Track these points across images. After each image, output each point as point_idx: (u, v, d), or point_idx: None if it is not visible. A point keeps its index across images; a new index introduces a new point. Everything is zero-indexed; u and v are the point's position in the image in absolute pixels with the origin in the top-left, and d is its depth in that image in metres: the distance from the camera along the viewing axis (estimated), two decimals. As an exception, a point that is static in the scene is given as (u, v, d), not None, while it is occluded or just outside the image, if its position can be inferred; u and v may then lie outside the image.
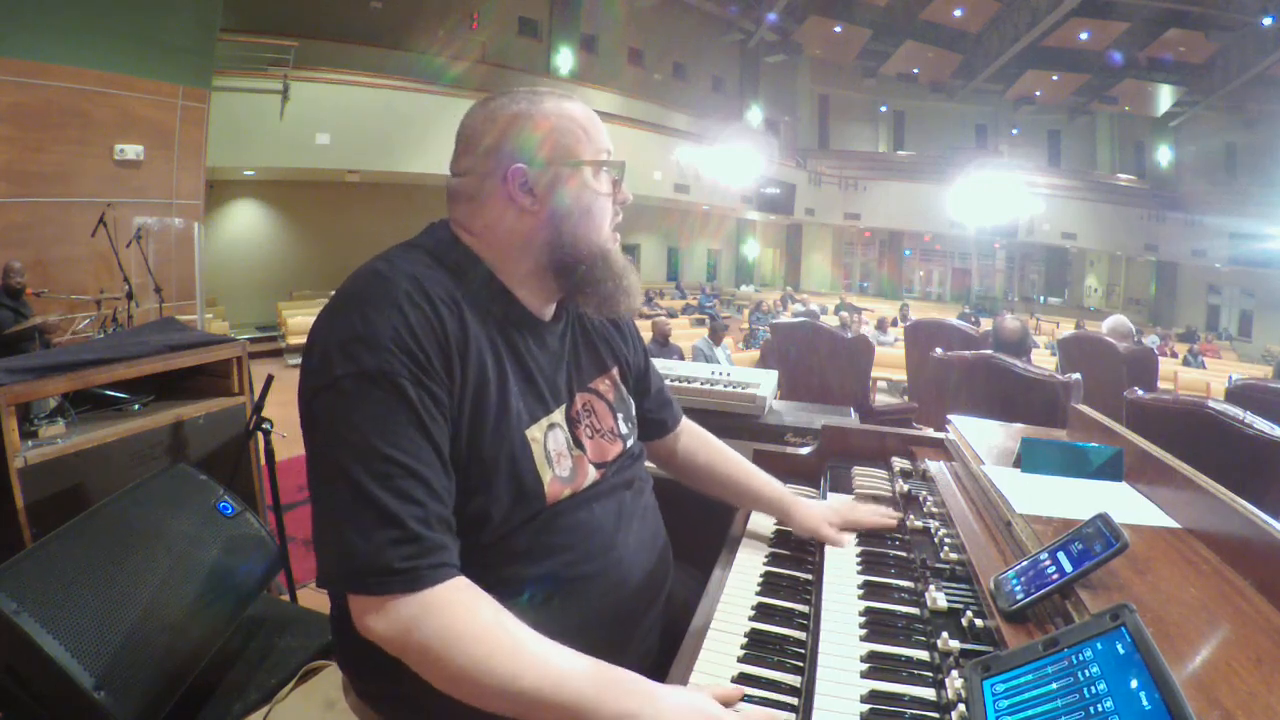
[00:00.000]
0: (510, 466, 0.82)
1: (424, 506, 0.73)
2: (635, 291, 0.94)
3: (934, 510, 1.17)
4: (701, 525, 1.33)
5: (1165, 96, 19.64)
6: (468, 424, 0.80)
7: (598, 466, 0.94)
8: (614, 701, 0.70)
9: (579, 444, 0.92)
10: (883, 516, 1.16)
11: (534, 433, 0.86)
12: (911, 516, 1.17)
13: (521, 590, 0.84)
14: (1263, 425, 1.79)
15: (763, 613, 0.96)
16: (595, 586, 0.89)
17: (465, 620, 0.72)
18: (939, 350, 3.19)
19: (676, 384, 2.26)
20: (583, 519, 0.89)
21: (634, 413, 1.07)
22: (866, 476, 1.37)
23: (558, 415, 0.91)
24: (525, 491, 0.84)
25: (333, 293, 0.85)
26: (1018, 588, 0.79)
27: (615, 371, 1.04)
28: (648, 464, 1.11)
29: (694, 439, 1.26)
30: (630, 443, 1.02)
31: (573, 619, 0.86)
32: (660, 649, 1.00)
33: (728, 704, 0.75)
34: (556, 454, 0.88)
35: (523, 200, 0.87)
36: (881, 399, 7.26)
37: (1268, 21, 15.46)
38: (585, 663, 0.73)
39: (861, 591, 0.96)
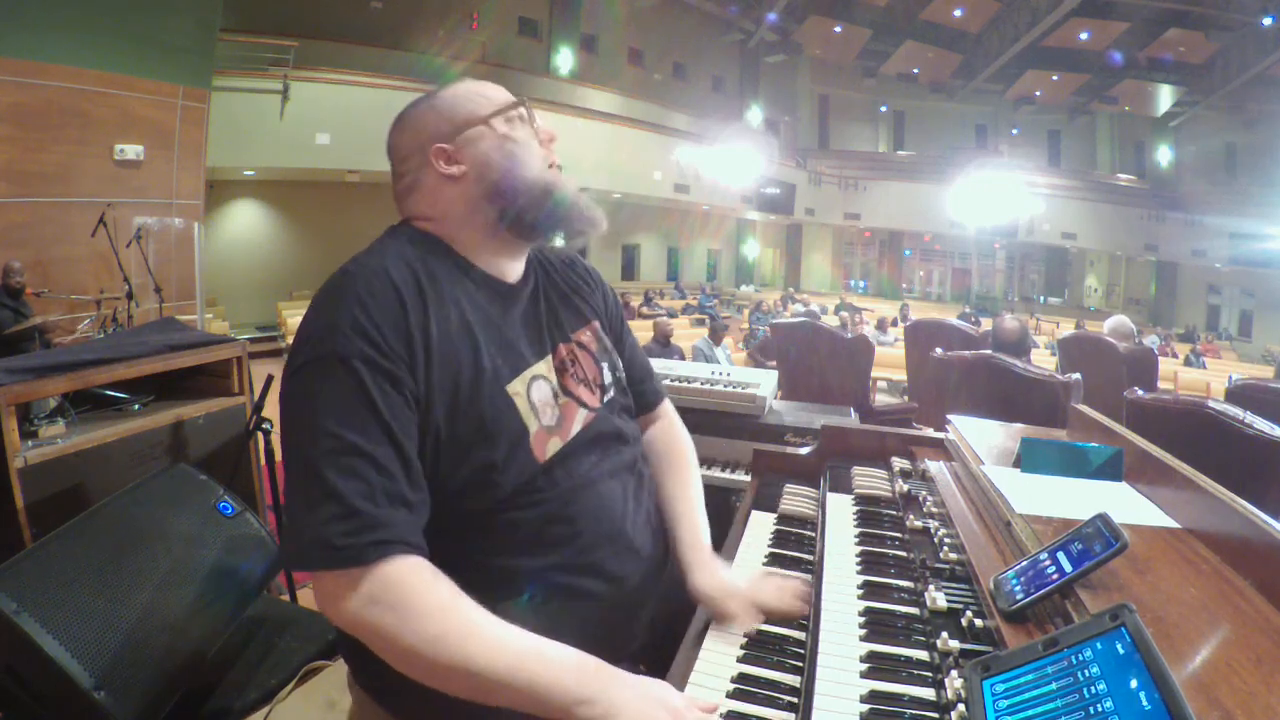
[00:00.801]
0: (496, 424, 0.84)
1: (368, 483, 0.74)
2: (592, 215, 0.98)
3: (934, 510, 1.17)
4: (707, 506, 1.32)
5: (1165, 96, 19.65)
6: (447, 395, 0.82)
7: (589, 409, 0.96)
8: (573, 685, 0.72)
9: (567, 391, 0.94)
10: (791, 598, 0.96)
11: (515, 387, 0.88)
12: (911, 516, 1.17)
13: (515, 581, 0.85)
14: (1263, 425, 1.79)
15: (763, 613, 0.95)
16: (602, 579, 0.91)
17: (417, 598, 0.72)
18: (939, 350, 3.19)
19: (676, 384, 2.26)
20: (583, 500, 0.90)
21: (620, 365, 1.08)
22: (866, 476, 1.37)
23: (541, 366, 0.93)
24: (515, 444, 0.85)
25: None
26: (1017, 588, 0.79)
27: (596, 324, 1.06)
28: None
29: (660, 439, 1.15)
30: (615, 391, 1.03)
31: (579, 605, 0.88)
32: (661, 645, 1.00)
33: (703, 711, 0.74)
34: (541, 404, 0.90)
35: (450, 170, 0.93)
36: (881, 399, 7.26)
37: (1268, 21, 15.46)
38: (544, 645, 0.74)
39: (861, 591, 0.96)
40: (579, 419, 0.94)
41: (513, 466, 0.84)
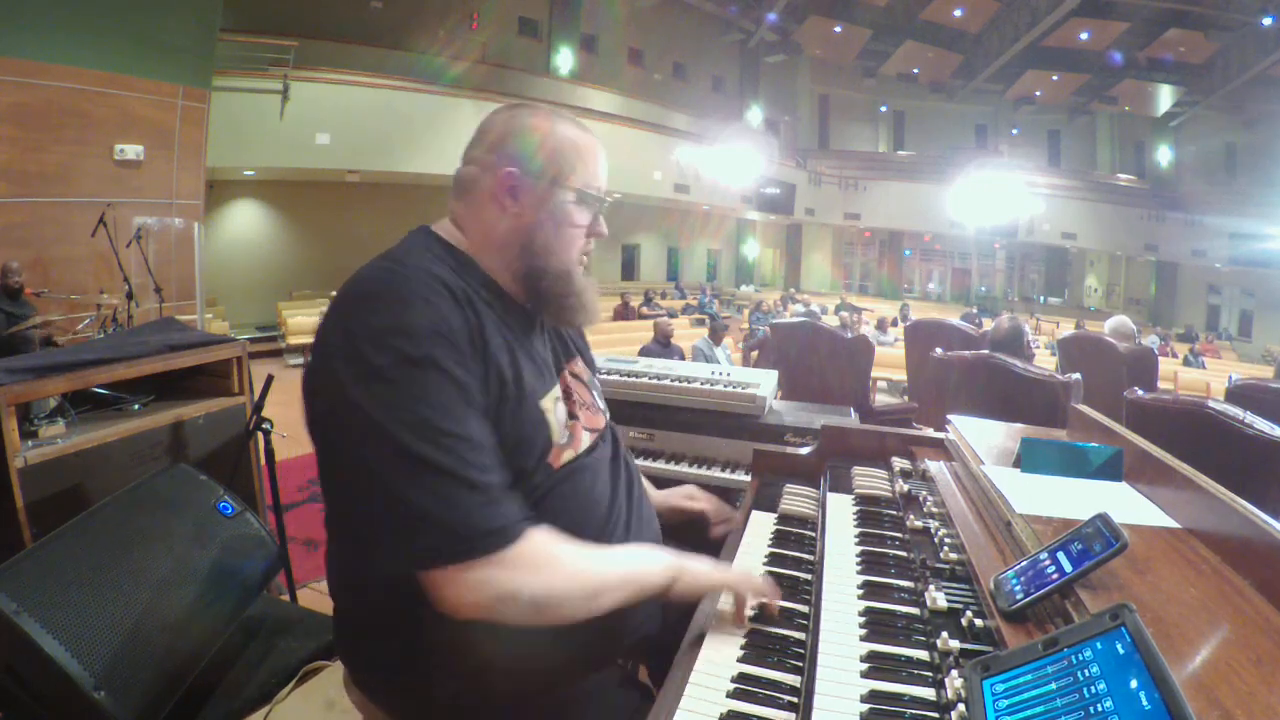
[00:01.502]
0: (533, 435, 0.90)
1: (495, 472, 0.81)
2: (592, 309, 1.01)
3: (934, 510, 1.17)
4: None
5: (1165, 96, 19.64)
6: (496, 402, 0.86)
7: (590, 432, 1.02)
8: (663, 569, 0.92)
9: (572, 415, 1.00)
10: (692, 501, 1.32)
11: (546, 403, 0.94)
12: (911, 516, 1.17)
13: None
14: (1263, 425, 1.79)
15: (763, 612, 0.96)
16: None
17: (556, 551, 0.84)
18: (939, 350, 3.19)
19: (676, 384, 2.26)
20: (583, 487, 0.97)
21: (602, 394, 1.15)
22: (866, 476, 1.37)
23: (556, 389, 0.99)
24: (543, 454, 0.92)
25: (335, 293, 0.88)
26: (1017, 588, 0.79)
27: (580, 360, 1.13)
28: None
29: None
30: (608, 416, 1.12)
31: None
32: (661, 643, 1.01)
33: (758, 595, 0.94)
34: (561, 422, 0.96)
35: (507, 203, 0.94)
36: (881, 399, 7.26)
37: (1268, 21, 15.46)
38: (631, 549, 0.94)
39: (861, 591, 0.96)
40: (585, 438, 1.00)
41: (539, 473, 0.90)
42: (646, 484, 1.25)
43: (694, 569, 0.93)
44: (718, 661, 0.84)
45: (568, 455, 0.95)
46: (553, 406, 0.94)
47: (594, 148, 0.99)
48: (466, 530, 0.76)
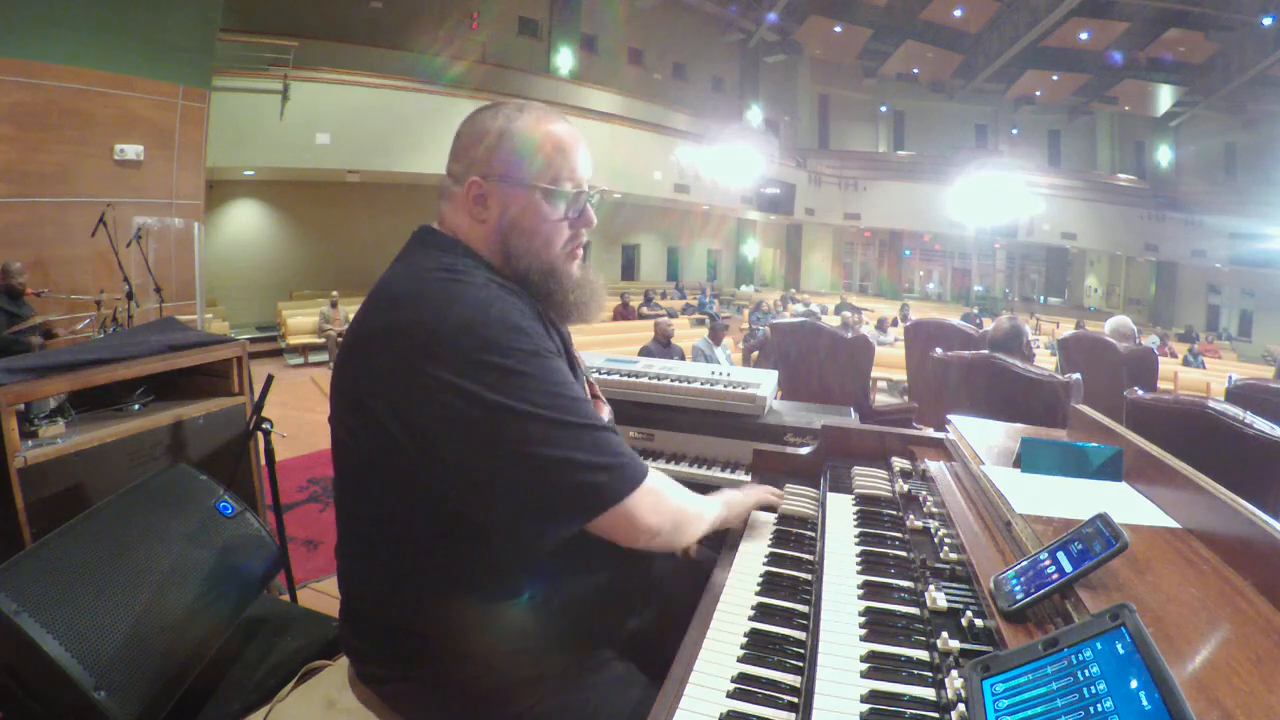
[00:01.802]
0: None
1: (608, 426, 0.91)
2: (587, 305, 1.02)
3: (934, 510, 1.17)
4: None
5: (1165, 96, 19.64)
6: None
7: (605, 415, 1.09)
8: (722, 503, 1.14)
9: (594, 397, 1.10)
10: None
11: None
12: (911, 516, 1.17)
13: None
14: (1263, 425, 1.79)
15: (763, 613, 0.96)
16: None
17: (669, 484, 0.99)
18: (939, 350, 3.19)
19: (676, 384, 2.26)
20: None
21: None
22: (866, 476, 1.37)
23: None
24: None
25: (390, 311, 0.89)
26: (1017, 588, 0.79)
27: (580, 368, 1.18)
28: None
29: None
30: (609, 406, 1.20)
31: (594, 562, 0.99)
32: (660, 643, 1.01)
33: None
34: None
35: (477, 211, 0.95)
36: (881, 399, 7.26)
37: (1268, 21, 15.46)
38: (699, 495, 1.09)
39: (861, 591, 0.96)
40: (606, 419, 1.06)
41: None
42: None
43: (731, 498, 1.17)
44: (718, 661, 0.84)
45: None
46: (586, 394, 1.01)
47: (561, 138, 0.96)
48: (630, 461, 0.89)
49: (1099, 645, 0.60)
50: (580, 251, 1.03)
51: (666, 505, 0.94)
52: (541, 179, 0.95)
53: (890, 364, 7.90)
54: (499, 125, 0.95)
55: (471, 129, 0.97)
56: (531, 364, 0.84)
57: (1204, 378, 9.86)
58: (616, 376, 2.30)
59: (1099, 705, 0.55)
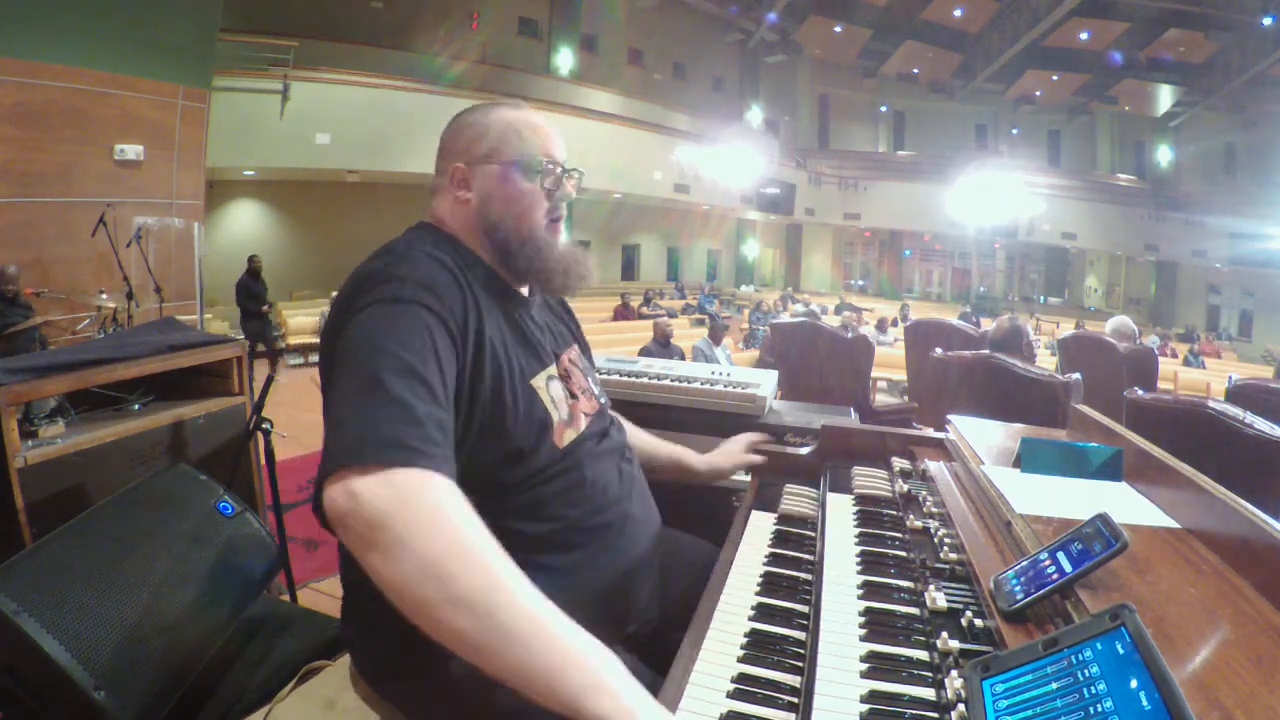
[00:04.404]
0: (527, 408, 0.94)
1: (429, 405, 0.77)
2: (574, 271, 1.06)
3: (934, 510, 1.17)
4: (705, 503, 1.47)
5: (1165, 96, 19.64)
6: (487, 379, 0.90)
7: (587, 415, 1.06)
8: (597, 666, 0.64)
9: (571, 395, 1.05)
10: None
11: (538, 382, 0.98)
12: (911, 516, 1.17)
13: (544, 540, 0.95)
14: (1263, 425, 1.79)
15: (763, 613, 0.96)
16: (611, 537, 1.01)
17: (461, 511, 0.70)
18: (939, 350, 3.19)
19: (676, 384, 2.26)
20: (592, 474, 1.01)
21: (599, 382, 1.20)
22: (866, 476, 1.37)
23: (553, 369, 1.04)
24: (543, 430, 0.95)
25: (340, 286, 0.94)
26: (1017, 588, 0.79)
27: (576, 348, 1.18)
28: None
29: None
30: (605, 400, 1.16)
31: (588, 572, 0.97)
32: (660, 642, 1.01)
33: None
34: (556, 400, 1.01)
35: (459, 194, 1.03)
36: (881, 399, 7.26)
37: (1268, 21, 15.46)
38: (573, 624, 0.67)
39: (861, 591, 0.96)
40: (584, 418, 1.05)
41: (541, 450, 0.95)
42: (687, 451, 1.42)
43: (641, 704, 0.63)
44: (718, 661, 0.84)
45: (570, 435, 1.00)
46: (545, 385, 0.99)
47: (534, 122, 1.05)
48: (376, 436, 0.70)
49: (1099, 645, 0.60)
50: (560, 225, 1.07)
51: (385, 510, 0.67)
52: (518, 155, 1.02)
53: (890, 364, 7.90)
54: (475, 118, 1.05)
55: (452, 128, 1.06)
56: (383, 309, 0.83)
57: (1204, 378, 9.86)
58: (616, 376, 2.30)
59: (1099, 705, 0.55)
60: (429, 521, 0.67)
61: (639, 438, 1.38)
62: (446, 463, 0.74)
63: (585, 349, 1.23)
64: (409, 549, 0.65)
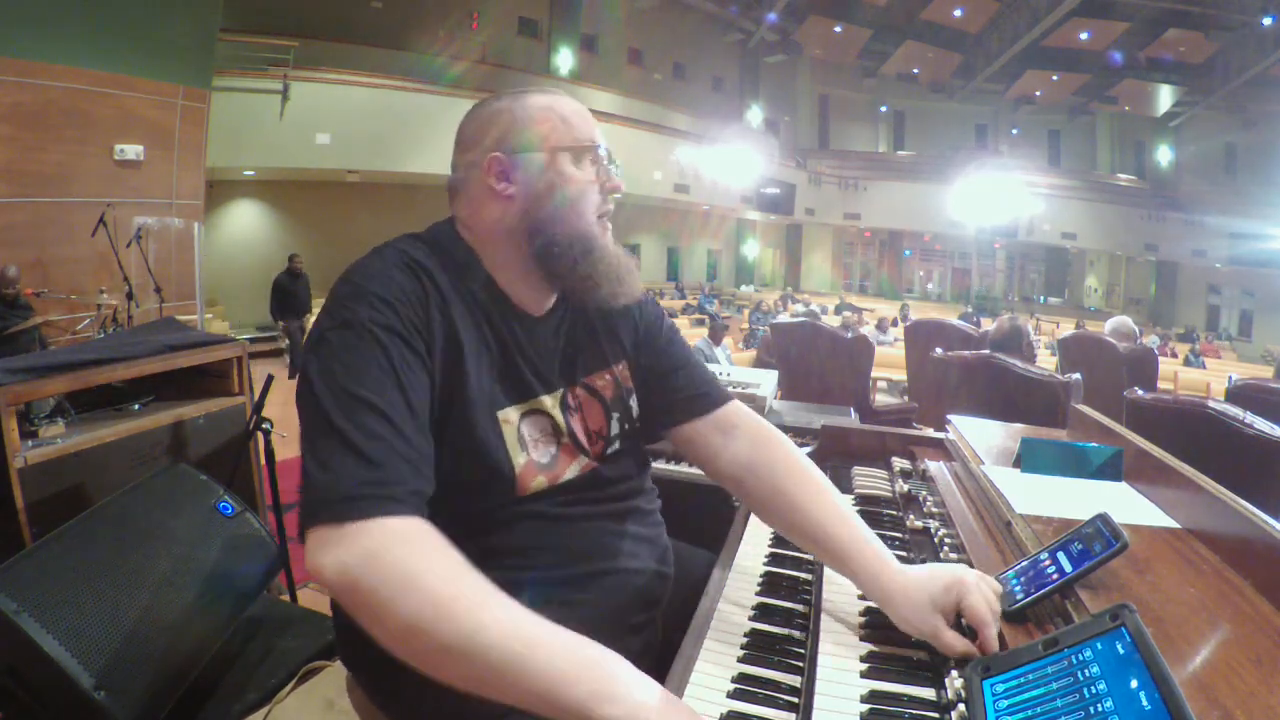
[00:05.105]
0: (481, 445, 0.84)
1: (385, 441, 0.72)
2: (627, 279, 0.94)
3: (934, 510, 1.17)
4: (705, 504, 1.31)
5: (1165, 96, 19.65)
6: (447, 391, 0.83)
7: (586, 458, 0.94)
8: (598, 677, 0.63)
9: (571, 433, 0.93)
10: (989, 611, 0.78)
11: (508, 414, 0.87)
12: (911, 516, 1.17)
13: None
14: (1263, 425, 1.78)
15: (763, 613, 0.96)
16: (579, 603, 0.88)
17: (429, 556, 0.67)
18: (939, 350, 3.19)
19: (676, 384, 2.26)
20: (552, 527, 0.89)
21: (635, 416, 1.02)
22: (866, 476, 1.37)
23: (546, 401, 0.91)
24: (494, 470, 0.85)
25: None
26: (1018, 588, 0.79)
27: (621, 368, 1.01)
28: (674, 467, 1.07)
29: (758, 450, 1.02)
30: (619, 444, 0.98)
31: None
32: (659, 637, 1.01)
33: None
34: (533, 439, 0.89)
35: (499, 186, 0.90)
36: (881, 399, 7.26)
37: (1268, 21, 15.47)
38: (563, 630, 0.65)
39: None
40: (574, 465, 0.92)
41: (491, 490, 0.85)
42: (903, 580, 0.84)
43: (644, 706, 0.62)
44: (718, 661, 0.84)
45: (539, 482, 0.88)
46: (516, 419, 0.88)
47: (575, 106, 0.94)
48: (328, 492, 0.69)
49: (1099, 645, 0.60)
50: (609, 224, 0.96)
51: (378, 593, 0.64)
52: (564, 140, 0.91)
53: (890, 364, 7.90)
54: (506, 104, 0.92)
55: (477, 118, 0.94)
56: (337, 336, 0.78)
57: (1204, 378, 9.86)
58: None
59: (1099, 705, 0.55)
60: (397, 580, 0.65)
61: (820, 507, 0.95)
62: (412, 496, 0.72)
63: (648, 353, 1.03)
64: (387, 612, 0.65)
